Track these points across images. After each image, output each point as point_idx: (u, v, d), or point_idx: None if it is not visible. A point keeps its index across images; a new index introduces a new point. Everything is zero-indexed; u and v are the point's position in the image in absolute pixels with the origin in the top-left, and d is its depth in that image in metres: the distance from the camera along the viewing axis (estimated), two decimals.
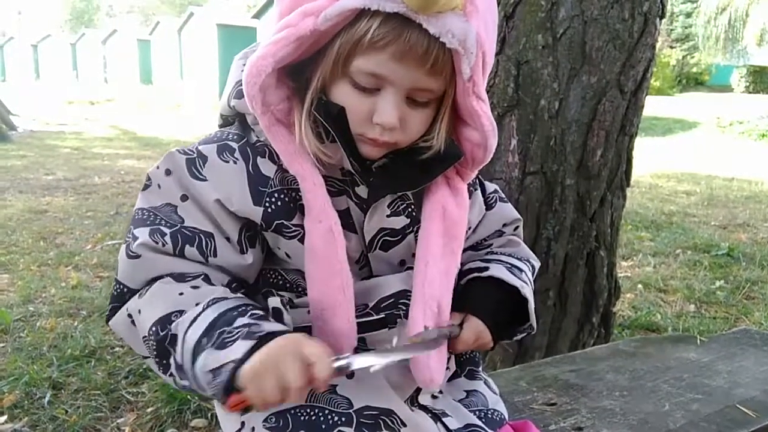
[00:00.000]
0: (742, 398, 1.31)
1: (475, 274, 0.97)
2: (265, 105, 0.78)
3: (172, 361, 0.75)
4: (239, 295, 0.81)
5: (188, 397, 1.90)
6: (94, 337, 2.37)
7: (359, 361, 0.74)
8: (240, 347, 0.70)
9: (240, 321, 0.73)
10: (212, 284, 0.81)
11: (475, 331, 0.92)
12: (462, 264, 0.98)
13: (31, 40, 36.37)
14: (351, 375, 0.78)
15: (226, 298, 0.77)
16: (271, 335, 0.71)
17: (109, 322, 0.83)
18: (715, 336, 1.80)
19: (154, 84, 24.79)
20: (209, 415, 1.85)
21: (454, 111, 0.84)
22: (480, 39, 0.74)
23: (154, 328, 0.76)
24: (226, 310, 0.75)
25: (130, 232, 0.81)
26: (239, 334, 0.71)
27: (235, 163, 0.82)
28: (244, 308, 0.76)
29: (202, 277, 0.81)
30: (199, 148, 0.83)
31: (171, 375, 0.77)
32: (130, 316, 0.79)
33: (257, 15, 21.57)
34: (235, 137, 0.84)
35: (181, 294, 0.77)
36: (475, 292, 0.95)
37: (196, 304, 0.76)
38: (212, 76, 20.61)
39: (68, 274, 3.22)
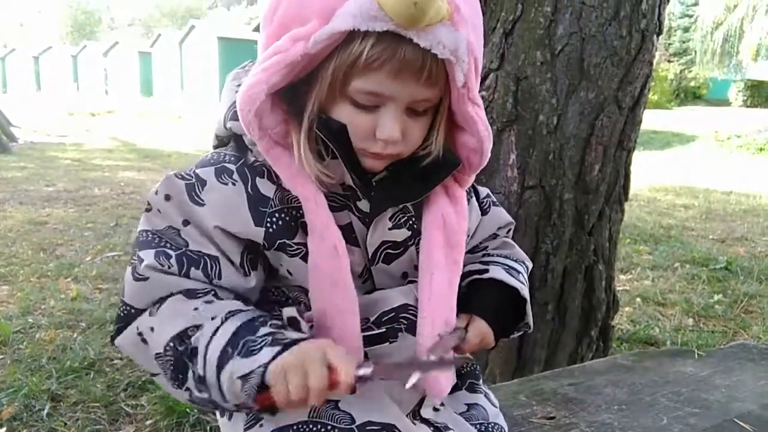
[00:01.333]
0: (740, 412, 1.32)
1: (476, 276, 0.98)
2: (263, 129, 0.79)
3: (190, 374, 0.76)
4: (252, 307, 0.82)
5: (187, 410, 1.90)
6: (93, 349, 2.37)
7: (381, 371, 0.76)
8: (267, 353, 0.72)
9: (263, 330, 0.75)
10: (223, 299, 0.81)
11: (480, 332, 0.94)
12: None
13: (33, 51, 36.54)
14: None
15: (242, 310, 0.78)
16: (296, 342, 0.73)
17: (116, 341, 0.83)
18: (713, 350, 1.81)
19: (154, 96, 24.90)
20: (208, 428, 1.85)
21: (450, 118, 0.85)
22: (470, 46, 0.75)
23: (171, 344, 0.76)
24: (247, 321, 0.76)
25: (135, 254, 0.81)
26: (264, 342, 0.73)
27: (234, 185, 0.82)
28: (263, 318, 0.77)
29: (213, 292, 0.81)
30: (197, 171, 0.83)
31: (187, 389, 0.77)
32: (140, 334, 0.80)
33: (258, 28, 21.73)
34: (233, 158, 0.85)
35: (196, 309, 0.78)
36: (477, 294, 0.97)
37: (212, 318, 0.77)
38: (213, 88, 20.70)
39: (68, 285, 3.22)
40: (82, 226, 4.68)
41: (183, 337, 0.76)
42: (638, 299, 3.33)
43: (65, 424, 1.86)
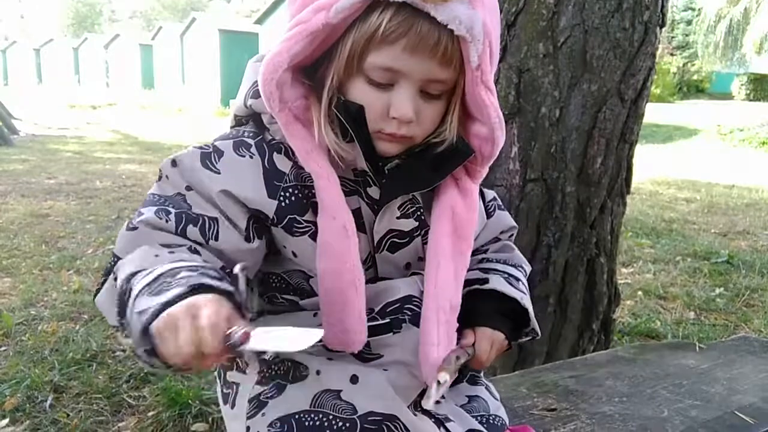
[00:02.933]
0: (741, 405, 1.32)
1: (476, 287, 0.98)
2: (283, 102, 0.80)
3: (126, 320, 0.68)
4: (211, 265, 0.74)
5: (189, 401, 1.91)
6: (95, 341, 2.38)
7: (256, 341, 0.61)
8: (170, 294, 0.63)
9: (184, 273, 0.67)
10: (197, 255, 0.76)
11: (488, 337, 0.93)
12: None
13: (34, 44, 36.45)
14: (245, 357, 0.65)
15: (191, 263, 0.70)
16: (206, 288, 0.64)
17: (96, 300, 0.79)
18: (714, 343, 1.81)
19: (155, 88, 24.85)
20: (210, 419, 1.86)
21: (463, 106, 0.85)
22: (486, 27, 0.76)
23: (122, 285, 0.70)
24: (179, 267, 0.68)
25: (137, 210, 0.81)
26: (176, 284, 0.65)
27: (251, 157, 0.83)
28: (197, 267, 0.69)
29: (188, 247, 0.77)
30: (215, 143, 0.84)
31: (127, 336, 0.69)
32: (116, 279, 0.73)
33: (259, 21, 21.64)
34: (251, 134, 0.86)
35: (157, 255, 0.73)
36: (478, 306, 0.97)
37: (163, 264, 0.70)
38: (214, 81, 20.67)
39: (70, 278, 3.22)
40: (84, 218, 4.69)
41: (130, 278, 0.70)
42: (640, 292, 3.33)
43: (68, 415, 1.87)
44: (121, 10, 61.67)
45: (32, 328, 2.53)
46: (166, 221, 0.78)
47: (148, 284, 0.67)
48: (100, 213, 4.89)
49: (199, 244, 0.80)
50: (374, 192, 0.87)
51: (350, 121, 0.80)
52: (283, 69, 0.77)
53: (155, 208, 0.80)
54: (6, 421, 1.83)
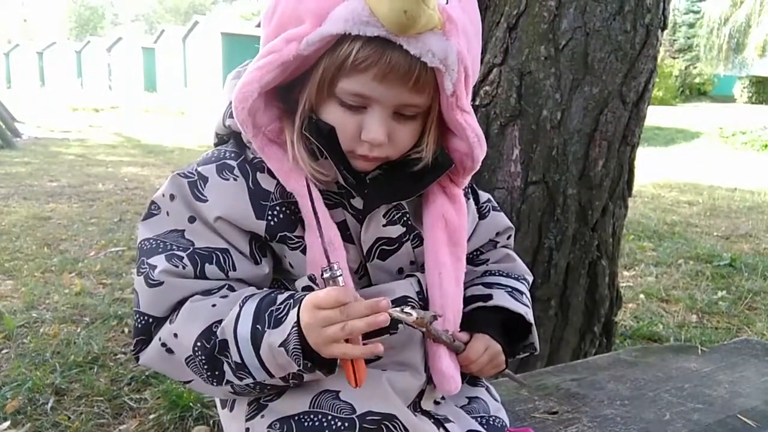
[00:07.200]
0: (743, 408, 1.31)
1: (480, 304, 0.98)
2: (256, 127, 0.80)
3: (226, 367, 0.78)
4: (266, 289, 0.84)
5: (190, 404, 1.90)
6: (96, 343, 2.38)
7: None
8: (294, 314, 0.74)
9: (281, 298, 0.78)
10: (237, 290, 0.83)
11: (484, 342, 0.94)
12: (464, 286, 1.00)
13: (37, 47, 36.58)
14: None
15: (255, 293, 0.81)
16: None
17: (141, 360, 0.83)
18: (716, 346, 1.80)
19: (158, 92, 24.91)
20: (211, 422, 1.85)
21: (442, 122, 0.85)
22: (461, 56, 0.76)
23: (198, 344, 0.77)
24: (263, 297, 0.79)
25: (143, 263, 0.81)
26: (287, 305, 0.76)
27: (235, 180, 0.84)
28: (278, 291, 0.80)
29: (227, 287, 0.82)
30: (199, 169, 0.85)
31: (228, 382, 0.79)
32: (164, 345, 0.80)
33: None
34: (233, 155, 0.86)
35: (214, 305, 0.79)
36: (480, 318, 0.97)
37: (231, 310, 0.78)
38: (216, 84, 20.71)
39: (72, 280, 3.22)
40: (86, 221, 4.69)
41: (208, 334, 0.78)
42: (642, 295, 3.32)
43: (69, 417, 1.87)
44: (124, 14, 61.89)
45: (34, 331, 2.53)
46: (183, 267, 0.80)
47: (256, 323, 0.76)
48: (102, 216, 4.89)
49: (221, 279, 0.82)
50: (358, 203, 0.87)
51: (322, 141, 0.80)
52: (253, 98, 0.77)
53: (163, 256, 0.81)
54: (7, 423, 1.83)
